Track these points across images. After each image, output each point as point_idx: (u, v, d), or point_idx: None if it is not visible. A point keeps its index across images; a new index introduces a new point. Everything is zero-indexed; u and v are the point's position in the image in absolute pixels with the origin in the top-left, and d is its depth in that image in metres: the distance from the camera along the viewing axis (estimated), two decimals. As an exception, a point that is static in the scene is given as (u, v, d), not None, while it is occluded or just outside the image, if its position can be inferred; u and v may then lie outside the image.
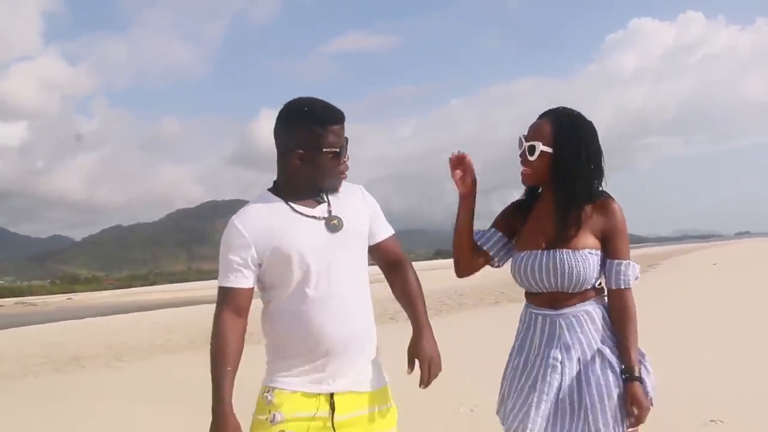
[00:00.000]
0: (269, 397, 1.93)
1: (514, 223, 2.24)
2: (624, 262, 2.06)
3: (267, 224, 1.93)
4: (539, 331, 2.11)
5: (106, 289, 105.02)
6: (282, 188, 2.00)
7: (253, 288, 1.95)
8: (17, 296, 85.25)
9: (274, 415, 1.88)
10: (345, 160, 2.01)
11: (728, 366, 6.15)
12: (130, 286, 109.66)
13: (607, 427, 1.97)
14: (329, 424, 1.91)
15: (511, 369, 2.18)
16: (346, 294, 1.97)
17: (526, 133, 2.13)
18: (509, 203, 2.31)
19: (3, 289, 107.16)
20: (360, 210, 2.07)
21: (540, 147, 2.07)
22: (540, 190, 2.21)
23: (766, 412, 4.50)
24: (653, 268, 29.48)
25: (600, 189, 2.12)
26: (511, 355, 2.21)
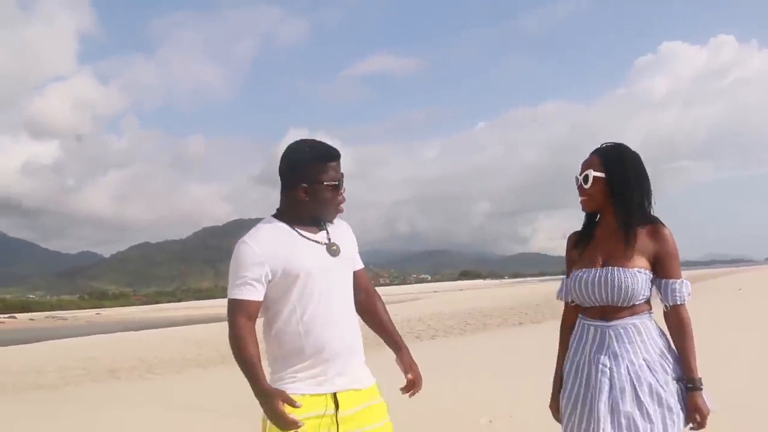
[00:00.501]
0: None
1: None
2: (678, 280, 2.30)
3: (277, 245, 2.20)
4: (590, 339, 2.33)
5: (133, 305, 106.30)
6: (286, 216, 2.29)
7: (261, 301, 2.20)
8: (47, 311, 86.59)
9: None
10: (342, 192, 2.30)
11: (731, 382, 6.31)
12: (157, 302, 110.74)
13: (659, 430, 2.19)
14: (335, 419, 2.19)
15: (564, 373, 2.43)
16: (342, 309, 2.28)
17: (580, 170, 2.41)
18: (570, 235, 2.56)
19: (34, 304, 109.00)
20: (349, 240, 2.39)
21: (593, 173, 2.36)
22: (597, 218, 2.44)
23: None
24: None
25: (652, 214, 2.36)
26: (570, 361, 2.44)
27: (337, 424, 2.19)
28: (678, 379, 2.27)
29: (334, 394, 2.21)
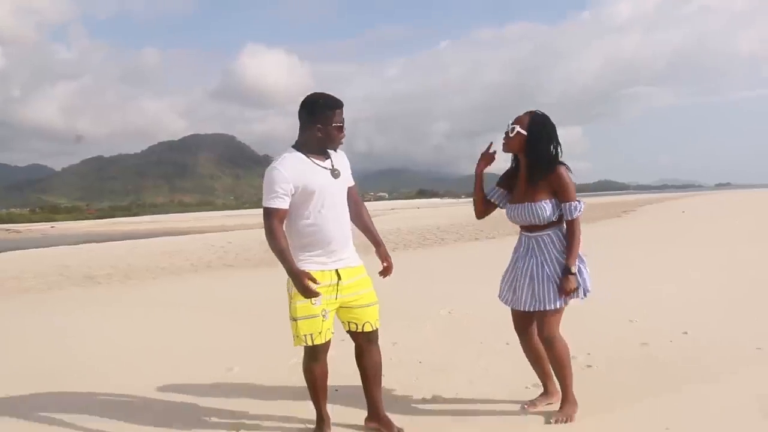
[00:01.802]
0: None
1: (509, 182, 3.61)
2: (572, 203, 3.35)
3: (298, 169, 3.13)
4: (524, 244, 3.52)
5: (87, 218, 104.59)
6: (302, 148, 3.22)
7: (287, 209, 3.13)
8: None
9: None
10: (344, 130, 3.24)
11: (646, 281, 7.85)
12: (112, 217, 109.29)
13: (550, 296, 3.38)
14: (336, 287, 3.20)
15: (508, 266, 3.62)
16: (341, 213, 3.27)
17: (512, 121, 3.41)
18: (504, 171, 3.60)
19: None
20: (345, 166, 3.35)
21: (518, 128, 3.38)
22: (518, 162, 3.51)
23: (672, 316, 5.78)
24: (627, 213, 30.67)
25: (557, 159, 3.36)
26: (511, 258, 3.61)
27: (338, 290, 3.23)
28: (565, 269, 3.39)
29: (337, 270, 3.23)
